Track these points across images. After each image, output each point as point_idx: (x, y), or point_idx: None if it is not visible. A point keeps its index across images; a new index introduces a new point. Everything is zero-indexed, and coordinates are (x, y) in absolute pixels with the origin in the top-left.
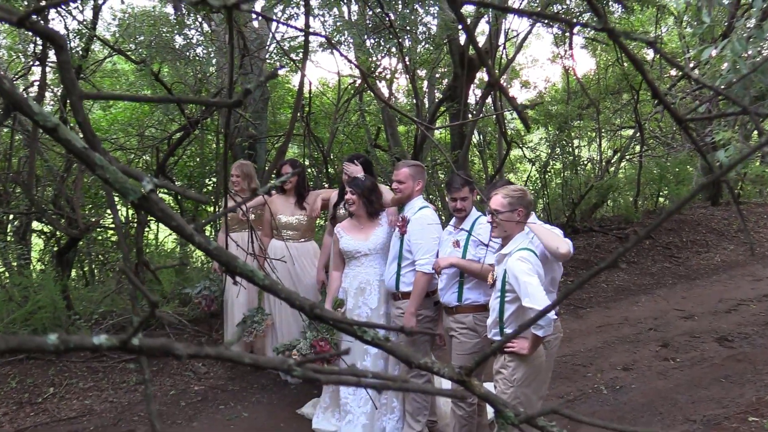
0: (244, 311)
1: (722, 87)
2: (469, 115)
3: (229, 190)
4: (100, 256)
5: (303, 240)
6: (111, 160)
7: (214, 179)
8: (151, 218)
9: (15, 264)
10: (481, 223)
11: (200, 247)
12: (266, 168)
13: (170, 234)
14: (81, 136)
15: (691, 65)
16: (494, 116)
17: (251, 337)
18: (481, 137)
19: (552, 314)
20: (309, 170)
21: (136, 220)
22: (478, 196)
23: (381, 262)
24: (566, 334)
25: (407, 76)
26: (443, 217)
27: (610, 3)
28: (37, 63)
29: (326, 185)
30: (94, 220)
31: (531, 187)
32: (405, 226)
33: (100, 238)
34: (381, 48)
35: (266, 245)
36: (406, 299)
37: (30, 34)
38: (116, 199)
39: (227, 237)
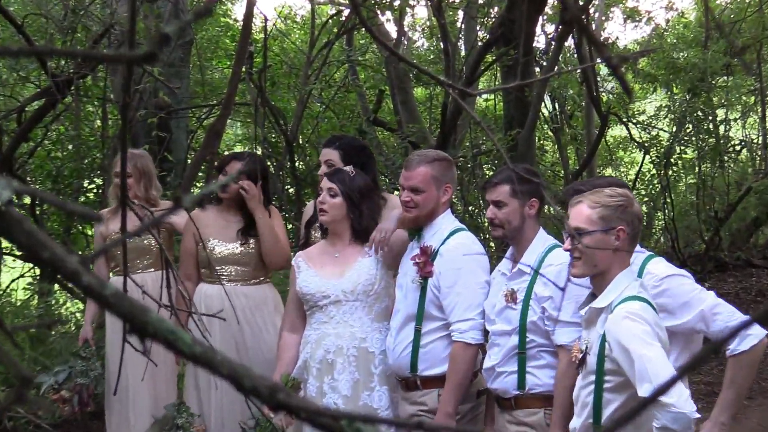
0: (154, 412)
1: None
2: (536, 70)
3: (131, 200)
4: None
5: (254, 282)
6: None
7: (100, 180)
8: (6, 246)
9: None
10: (553, 263)
11: (89, 293)
12: (188, 160)
13: (28, 271)
14: None
15: None
16: (579, 72)
17: None
18: (557, 108)
19: (691, 409)
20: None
21: None
22: (549, 209)
23: (362, 316)
24: None
25: (428, 4)
26: (492, 247)
27: None
28: None
29: (291, 189)
30: None
31: (643, 191)
32: (430, 262)
33: None
34: None
35: (191, 293)
36: (429, 389)
37: None
38: None
39: (125, 278)
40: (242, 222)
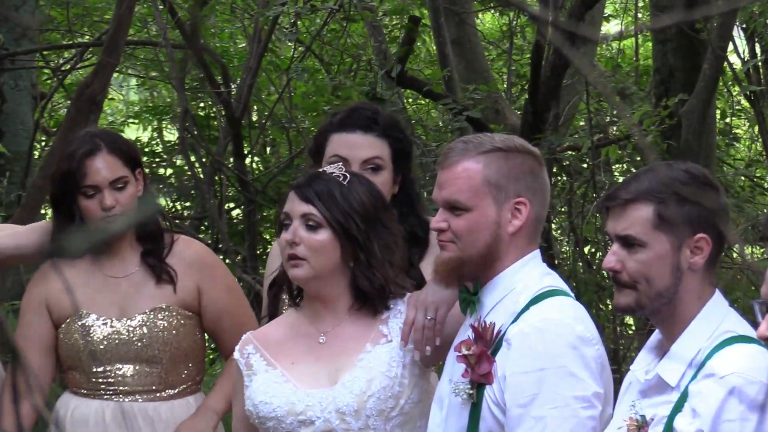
0: None
1: None
2: None
3: None
4: None
5: (172, 392)
6: None
7: None
8: None
9: None
10: (725, 370)
11: None
12: (36, 153)
13: None
14: None
15: None
16: None
17: None
18: (760, 54)
19: None
20: (178, 162)
21: None
22: (735, 252)
23: None
24: None
25: None
26: (631, 327)
27: None
28: None
29: (235, 210)
30: None
31: None
32: (489, 357)
33: None
34: None
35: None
36: None
37: None
38: None
39: None
40: (140, 269)
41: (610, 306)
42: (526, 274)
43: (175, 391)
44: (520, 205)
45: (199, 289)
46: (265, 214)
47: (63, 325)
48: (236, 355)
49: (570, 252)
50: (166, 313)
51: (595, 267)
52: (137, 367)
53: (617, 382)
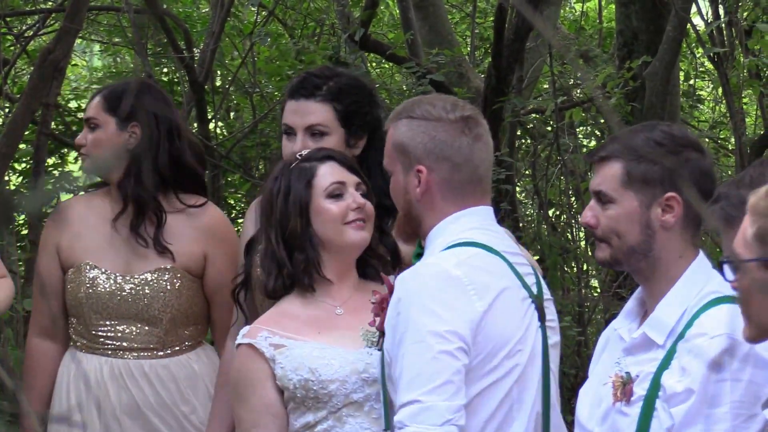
0: None
1: None
2: None
3: None
4: None
5: (173, 350)
6: None
7: None
8: None
9: None
10: (709, 330)
11: None
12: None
13: None
14: None
15: None
16: None
17: None
18: (722, 13)
19: None
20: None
21: None
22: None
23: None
24: None
25: None
26: (595, 289)
27: None
28: None
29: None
30: None
31: None
32: (382, 308)
33: None
34: None
35: (49, 361)
36: None
37: None
38: None
39: None
40: (147, 224)
41: (575, 268)
42: (451, 231)
43: (173, 350)
44: (419, 172)
45: (205, 256)
46: (229, 179)
47: (69, 272)
48: (250, 341)
49: (534, 215)
50: (171, 275)
51: (559, 230)
52: (137, 326)
53: (582, 345)
